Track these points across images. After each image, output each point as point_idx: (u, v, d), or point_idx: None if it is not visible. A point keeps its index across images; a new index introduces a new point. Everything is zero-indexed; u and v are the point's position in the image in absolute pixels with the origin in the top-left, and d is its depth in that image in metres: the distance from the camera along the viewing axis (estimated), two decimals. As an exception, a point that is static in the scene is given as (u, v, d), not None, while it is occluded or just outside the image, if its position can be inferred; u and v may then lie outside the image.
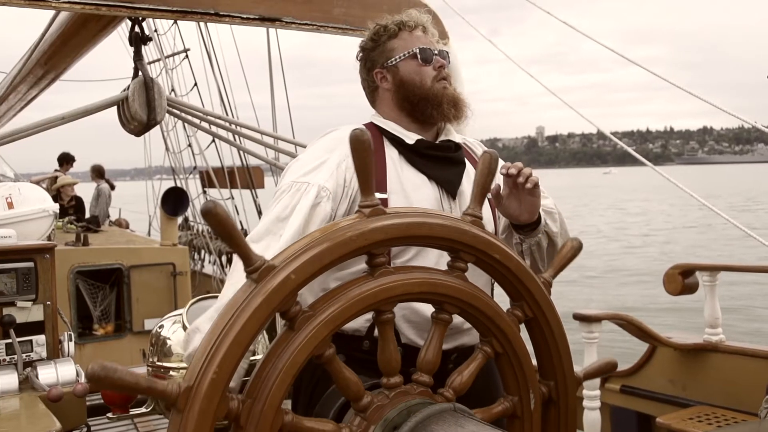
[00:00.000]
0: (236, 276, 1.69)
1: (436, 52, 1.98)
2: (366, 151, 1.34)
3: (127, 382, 1.13)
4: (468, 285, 1.46)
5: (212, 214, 1.20)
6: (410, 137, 1.94)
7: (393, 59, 1.97)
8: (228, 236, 1.23)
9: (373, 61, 2.01)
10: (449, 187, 1.93)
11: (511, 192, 1.82)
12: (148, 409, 2.37)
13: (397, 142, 1.94)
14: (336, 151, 1.87)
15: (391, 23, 1.99)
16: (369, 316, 1.83)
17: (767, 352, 3.70)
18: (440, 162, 1.93)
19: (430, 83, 1.95)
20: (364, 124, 1.99)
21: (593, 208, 47.96)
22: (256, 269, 1.24)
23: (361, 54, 2.05)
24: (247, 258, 1.24)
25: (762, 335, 10.40)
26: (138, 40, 3.59)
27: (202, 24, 8.79)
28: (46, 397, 2.35)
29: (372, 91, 2.05)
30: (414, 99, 1.95)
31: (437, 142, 1.98)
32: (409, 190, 1.88)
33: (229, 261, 10.05)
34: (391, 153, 1.93)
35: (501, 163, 2.11)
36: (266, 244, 1.69)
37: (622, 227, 32.90)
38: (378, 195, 1.82)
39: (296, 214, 1.75)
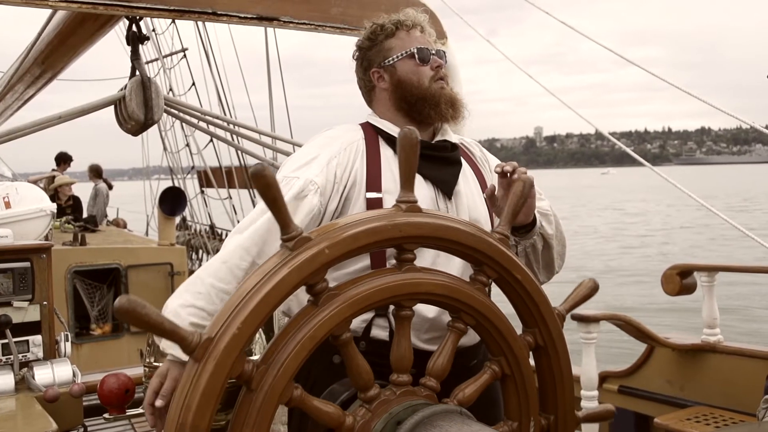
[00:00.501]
0: (228, 248, 1.72)
1: (433, 51, 1.97)
2: (411, 149, 1.38)
3: (152, 320, 1.16)
4: (488, 300, 1.47)
5: (261, 177, 1.23)
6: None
7: (390, 59, 1.96)
8: (272, 200, 1.25)
9: (369, 60, 2.00)
10: (445, 187, 1.92)
11: (506, 193, 1.79)
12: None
13: (393, 142, 1.93)
14: (328, 147, 1.87)
15: (388, 22, 1.98)
16: (366, 316, 1.83)
17: (765, 352, 3.70)
18: (436, 162, 1.92)
19: (428, 83, 1.94)
20: (360, 124, 2.00)
21: (591, 208, 47.99)
22: (292, 238, 1.27)
23: (357, 53, 2.04)
24: (286, 226, 1.27)
25: (760, 335, 10.41)
26: (135, 39, 3.58)
27: (199, 23, 8.78)
28: (43, 398, 2.35)
29: (369, 91, 2.04)
30: (411, 99, 1.94)
31: (433, 142, 1.97)
32: None
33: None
34: (386, 152, 1.92)
35: (496, 162, 2.12)
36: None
37: (620, 227, 32.92)
38: (372, 194, 1.83)
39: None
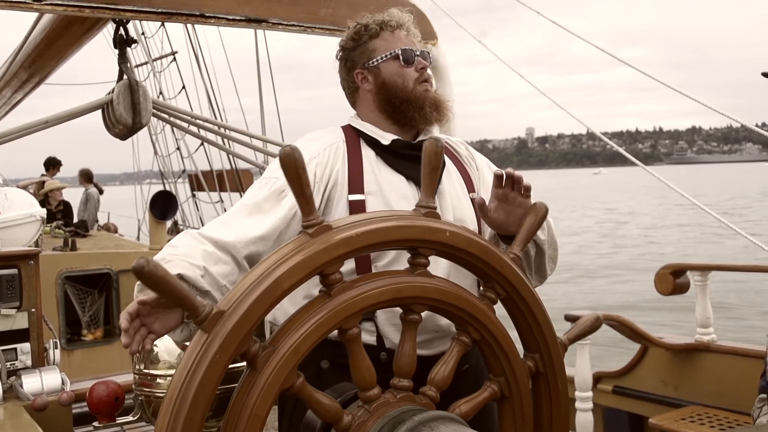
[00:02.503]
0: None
1: (418, 52, 1.95)
2: (435, 157, 1.45)
3: (168, 283, 1.15)
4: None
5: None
6: (386, 138, 1.92)
7: (374, 60, 1.94)
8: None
9: (353, 61, 1.98)
10: None
11: (499, 205, 1.75)
12: (135, 417, 2.33)
13: (374, 143, 1.92)
14: (307, 149, 1.84)
15: (372, 22, 1.96)
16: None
17: (759, 351, 3.69)
18: (418, 161, 1.91)
19: (412, 85, 1.92)
20: (342, 126, 1.98)
21: (583, 207, 48.11)
22: (312, 225, 1.27)
23: (341, 53, 2.02)
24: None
25: (753, 331, 10.45)
26: (122, 42, 3.55)
27: (189, 26, 8.75)
28: (31, 407, 2.31)
29: (352, 92, 2.02)
30: (396, 101, 1.92)
31: (416, 141, 1.95)
32: (387, 190, 1.85)
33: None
34: (368, 154, 1.91)
35: (483, 162, 2.10)
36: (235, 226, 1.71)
37: (611, 227, 33.02)
38: (355, 196, 1.82)
39: (261, 201, 1.76)
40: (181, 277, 1.54)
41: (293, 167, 1.24)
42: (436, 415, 1.36)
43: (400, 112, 1.92)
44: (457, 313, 1.46)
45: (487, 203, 1.78)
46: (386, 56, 1.93)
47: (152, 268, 1.13)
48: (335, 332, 1.35)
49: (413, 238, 1.36)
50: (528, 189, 1.72)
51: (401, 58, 1.92)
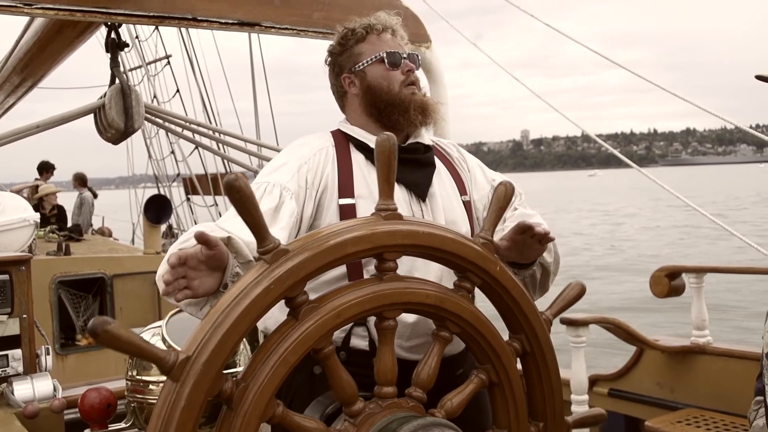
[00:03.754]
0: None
1: (404, 55, 1.95)
2: (389, 155, 1.36)
3: (124, 339, 1.11)
4: (473, 308, 1.44)
5: (235, 189, 1.19)
6: (374, 141, 1.91)
7: (360, 63, 1.94)
8: (248, 212, 1.21)
9: (341, 65, 1.98)
10: (418, 190, 1.89)
11: (513, 246, 1.68)
12: (128, 425, 2.31)
13: (364, 148, 1.91)
14: (297, 154, 1.85)
15: (359, 26, 1.96)
16: (345, 326, 1.80)
17: (755, 353, 3.69)
18: (407, 164, 1.89)
19: (398, 88, 1.92)
20: (332, 131, 1.98)
21: (578, 210, 48.18)
22: (269, 251, 1.24)
23: (329, 58, 2.02)
24: (263, 238, 1.23)
25: (749, 332, 10.46)
26: (114, 46, 3.53)
27: (183, 30, 8.73)
28: (22, 414, 2.29)
29: (341, 97, 2.02)
30: (381, 104, 1.92)
31: (405, 144, 1.94)
32: (377, 193, 1.84)
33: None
34: (357, 158, 1.90)
35: (475, 163, 2.08)
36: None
37: (606, 228, 33.06)
38: (345, 200, 1.81)
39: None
40: (229, 241, 1.48)
41: (240, 195, 1.20)
42: (424, 422, 1.35)
43: (385, 115, 1.91)
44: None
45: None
46: (371, 60, 1.93)
47: (113, 330, 1.09)
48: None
49: (374, 246, 1.33)
50: (547, 240, 1.67)
51: (386, 61, 1.92)
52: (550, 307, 1.61)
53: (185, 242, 1.53)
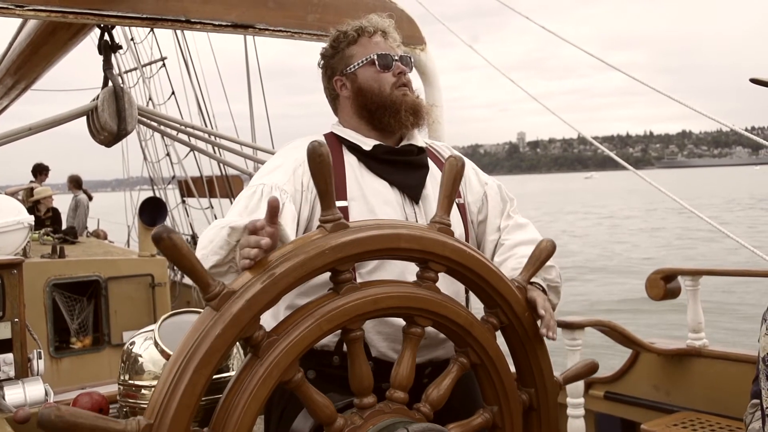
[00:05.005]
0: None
1: (396, 57, 1.94)
2: (320, 163, 1.28)
3: (80, 425, 1.07)
4: (440, 296, 1.42)
5: (164, 241, 1.14)
6: (367, 143, 1.91)
7: (352, 66, 1.94)
8: (182, 263, 1.17)
9: (333, 68, 1.98)
10: (411, 192, 1.89)
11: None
12: (120, 429, 2.29)
13: (356, 149, 1.91)
14: (292, 157, 1.84)
15: (350, 29, 1.95)
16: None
17: (750, 356, 3.68)
18: (400, 166, 1.89)
19: (389, 90, 1.91)
20: (324, 134, 1.97)
21: (574, 211, 48.23)
22: (214, 296, 1.20)
23: (322, 61, 2.02)
24: (206, 285, 1.19)
25: (744, 334, 10.47)
26: (107, 48, 3.51)
27: (178, 32, 8.71)
28: (13, 419, 2.27)
29: (333, 99, 2.02)
30: (372, 107, 1.91)
31: (398, 146, 1.94)
32: (370, 196, 1.84)
33: (210, 271, 9.94)
34: (350, 160, 1.89)
35: (469, 166, 2.06)
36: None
37: (602, 230, 33.09)
38: (339, 203, 1.79)
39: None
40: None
41: (174, 249, 1.15)
42: (429, 427, 1.34)
43: (376, 117, 1.91)
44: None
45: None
46: (362, 62, 1.93)
47: (59, 415, 1.07)
48: (322, 341, 1.33)
49: (324, 264, 1.29)
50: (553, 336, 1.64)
51: (377, 63, 1.92)
52: (521, 273, 1.59)
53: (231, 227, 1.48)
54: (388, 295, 1.36)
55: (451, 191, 1.50)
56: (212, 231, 1.56)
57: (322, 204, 1.32)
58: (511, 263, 1.80)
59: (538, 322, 1.55)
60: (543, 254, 1.61)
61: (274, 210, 1.27)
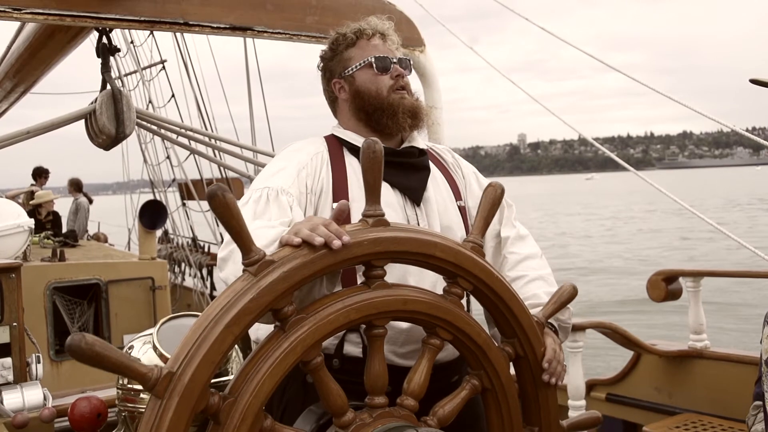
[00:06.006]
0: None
1: (394, 60, 1.94)
2: (374, 160, 1.34)
3: (106, 357, 1.09)
4: (464, 313, 1.43)
5: (219, 200, 1.18)
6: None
7: (350, 69, 1.94)
8: (231, 223, 1.20)
9: (331, 71, 1.98)
10: (412, 194, 1.88)
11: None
12: (119, 434, 2.28)
13: (357, 152, 1.90)
14: (294, 159, 1.84)
15: (349, 32, 1.95)
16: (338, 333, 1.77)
17: (752, 357, 3.67)
18: (401, 168, 1.88)
19: (386, 93, 1.90)
20: (325, 136, 1.97)
21: (575, 212, 48.22)
22: (254, 262, 1.22)
23: (321, 64, 2.02)
24: (248, 250, 1.22)
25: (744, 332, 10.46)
26: (105, 51, 3.50)
27: (177, 35, 8.70)
28: (11, 424, 2.26)
29: (332, 102, 2.02)
30: (369, 109, 1.91)
31: (400, 148, 1.93)
32: None
33: (210, 274, 9.94)
34: (351, 162, 1.89)
35: (470, 170, 2.06)
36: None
37: (603, 231, 33.07)
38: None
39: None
40: None
41: (226, 208, 1.19)
42: None
43: (374, 119, 1.90)
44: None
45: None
46: (360, 64, 1.93)
47: (89, 344, 1.07)
48: (323, 343, 1.32)
49: (363, 254, 1.31)
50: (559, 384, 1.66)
51: (374, 65, 1.91)
52: (542, 309, 1.59)
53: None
54: (418, 299, 1.38)
55: (488, 214, 1.54)
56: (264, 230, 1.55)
57: (368, 199, 1.36)
58: (524, 292, 1.79)
59: (544, 364, 1.56)
60: (565, 296, 1.62)
61: (342, 214, 1.37)
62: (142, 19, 2.86)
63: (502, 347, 1.50)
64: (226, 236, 1.61)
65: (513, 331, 1.50)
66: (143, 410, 2.11)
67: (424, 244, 1.37)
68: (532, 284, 1.81)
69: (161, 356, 2.04)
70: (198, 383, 1.13)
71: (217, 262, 1.59)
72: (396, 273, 1.70)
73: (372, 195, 1.36)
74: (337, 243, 1.27)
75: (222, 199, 1.18)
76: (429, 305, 1.39)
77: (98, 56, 3.53)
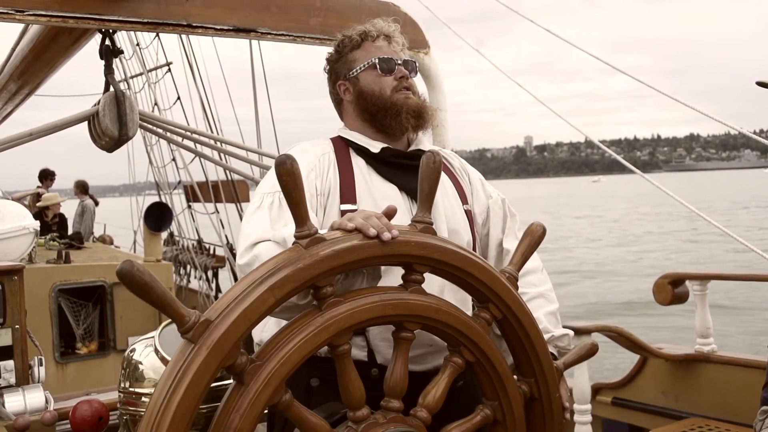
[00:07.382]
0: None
1: (399, 62, 1.94)
2: (433, 171, 1.39)
3: (152, 289, 1.11)
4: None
5: (286, 168, 1.20)
6: (375, 146, 1.91)
7: (354, 70, 1.94)
8: (293, 194, 1.22)
9: (336, 73, 1.99)
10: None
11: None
12: (120, 438, 2.27)
13: (364, 152, 1.91)
14: (302, 162, 1.81)
15: (354, 34, 1.96)
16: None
17: (760, 362, 3.64)
18: (408, 171, 1.87)
19: (390, 93, 1.90)
20: (331, 138, 1.96)
21: (582, 215, 48.12)
22: (306, 236, 1.24)
23: (327, 66, 2.03)
24: (302, 222, 1.24)
25: (752, 334, 10.40)
26: (108, 53, 3.50)
27: (183, 37, 8.71)
28: (13, 427, 2.26)
29: (338, 104, 2.02)
30: (373, 110, 1.90)
31: (408, 150, 1.94)
32: (379, 199, 1.82)
33: (215, 275, 9.95)
34: (358, 163, 1.89)
35: (476, 176, 2.05)
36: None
37: (609, 233, 33.00)
38: (347, 206, 1.78)
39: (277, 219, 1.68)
40: None
41: (292, 177, 1.21)
42: None
43: (378, 120, 1.91)
44: (451, 332, 1.43)
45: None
46: (364, 66, 1.93)
47: (137, 272, 1.09)
48: (325, 348, 1.31)
49: (408, 254, 1.32)
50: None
51: (378, 67, 1.91)
52: (563, 359, 1.62)
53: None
54: (451, 312, 1.39)
55: (528, 251, 1.59)
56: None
57: (420, 206, 1.41)
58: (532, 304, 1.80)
59: (565, 403, 1.63)
60: (535, 241, 1.62)
61: (391, 214, 1.44)
62: (145, 20, 2.86)
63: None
64: (242, 242, 1.62)
65: (532, 371, 1.51)
66: (144, 413, 2.12)
67: (465, 261, 1.39)
68: (532, 303, 1.80)
69: (162, 359, 2.03)
70: (232, 336, 1.14)
71: (238, 268, 1.59)
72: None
73: (425, 203, 1.40)
74: (387, 235, 1.33)
75: (290, 168, 1.20)
76: (460, 321, 1.40)
77: (101, 58, 3.53)
